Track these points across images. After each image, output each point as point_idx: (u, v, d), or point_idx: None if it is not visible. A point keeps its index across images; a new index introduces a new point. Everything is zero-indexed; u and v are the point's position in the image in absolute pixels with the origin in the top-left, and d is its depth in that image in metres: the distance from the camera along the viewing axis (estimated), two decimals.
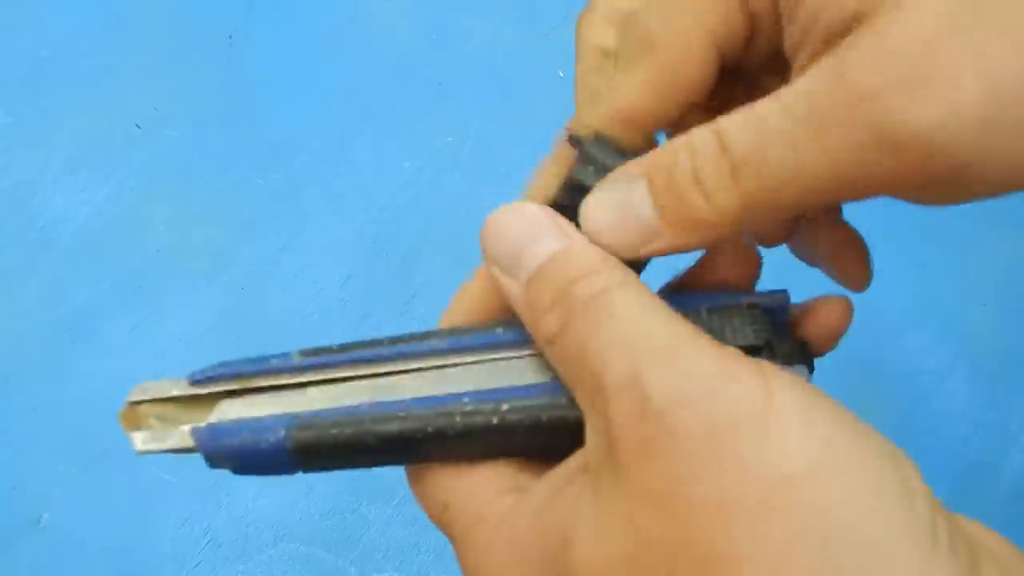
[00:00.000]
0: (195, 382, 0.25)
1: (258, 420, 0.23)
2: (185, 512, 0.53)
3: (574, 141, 0.25)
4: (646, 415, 0.19)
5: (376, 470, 0.51)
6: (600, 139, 0.25)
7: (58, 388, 0.56)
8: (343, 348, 0.24)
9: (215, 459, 0.24)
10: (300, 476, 0.56)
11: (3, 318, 0.58)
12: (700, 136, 0.22)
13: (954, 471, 0.55)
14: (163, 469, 0.54)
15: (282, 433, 0.23)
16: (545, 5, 0.70)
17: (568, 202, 0.24)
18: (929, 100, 0.19)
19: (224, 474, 0.56)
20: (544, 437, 0.23)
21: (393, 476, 0.54)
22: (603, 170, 0.24)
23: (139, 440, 0.25)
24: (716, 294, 0.26)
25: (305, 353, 0.24)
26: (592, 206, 0.24)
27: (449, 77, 0.67)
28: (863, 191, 0.21)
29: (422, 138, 0.65)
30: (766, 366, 0.21)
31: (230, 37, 0.70)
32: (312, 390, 0.24)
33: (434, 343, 0.24)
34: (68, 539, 0.52)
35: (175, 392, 0.25)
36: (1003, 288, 0.63)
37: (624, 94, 0.24)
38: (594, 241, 0.23)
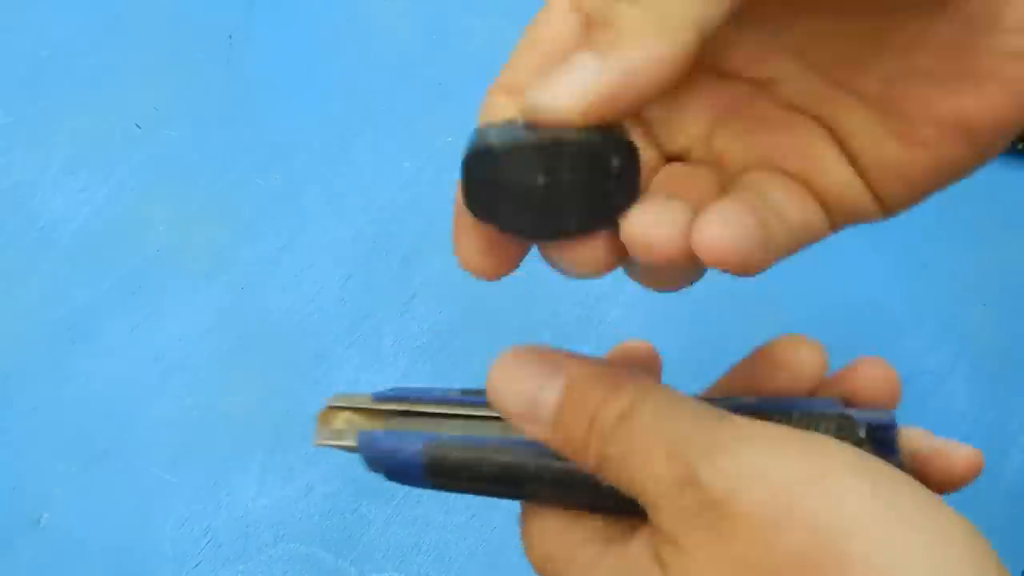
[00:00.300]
0: (376, 398, 0.29)
1: (405, 434, 0.27)
2: (185, 512, 0.53)
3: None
4: (704, 509, 0.20)
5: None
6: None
7: (58, 388, 0.56)
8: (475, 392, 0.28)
9: (370, 462, 0.28)
10: (300, 476, 0.56)
11: (3, 318, 0.58)
12: None
13: None
14: (163, 469, 0.54)
15: (419, 447, 0.26)
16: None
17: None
18: None
19: (224, 474, 0.56)
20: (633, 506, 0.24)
21: None
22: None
23: (321, 434, 0.30)
24: (818, 401, 0.27)
25: (465, 392, 0.28)
26: (531, 89, 0.21)
27: (449, 77, 0.67)
28: None
29: (422, 138, 0.65)
30: (814, 435, 0.21)
31: (230, 37, 0.70)
32: (459, 420, 0.28)
33: None
34: (68, 539, 0.52)
35: (362, 404, 0.30)
36: (1003, 288, 0.63)
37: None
38: (538, 116, 0.21)
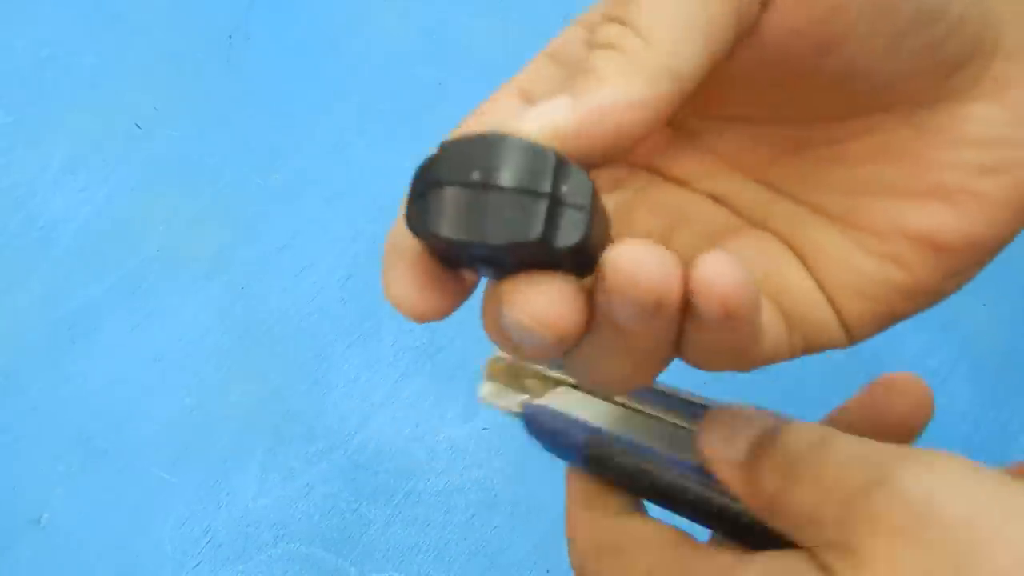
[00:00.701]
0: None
1: (573, 421, 0.27)
2: (185, 512, 0.53)
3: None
4: (906, 508, 0.20)
5: (376, 470, 0.51)
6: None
7: (58, 388, 0.56)
8: (669, 392, 0.28)
9: (532, 433, 0.28)
10: (300, 476, 0.56)
11: (3, 318, 0.58)
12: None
13: None
14: (163, 469, 0.54)
15: (584, 439, 0.26)
16: (545, 5, 0.70)
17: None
18: None
19: (224, 474, 0.56)
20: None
21: (393, 476, 0.54)
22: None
23: (486, 390, 0.29)
24: None
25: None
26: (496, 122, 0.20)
27: (449, 77, 0.67)
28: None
29: (422, 138, 0.65)
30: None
31: (230, 37, 0.70)
32: (628, 413, 0.28)
33: None
34: (68, 539, 0.52)
35: (530, 365, 0.29)
36: (1003, 288, 0.63)
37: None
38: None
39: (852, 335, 0.25)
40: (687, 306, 0.20)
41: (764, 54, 0.20)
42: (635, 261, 0.19)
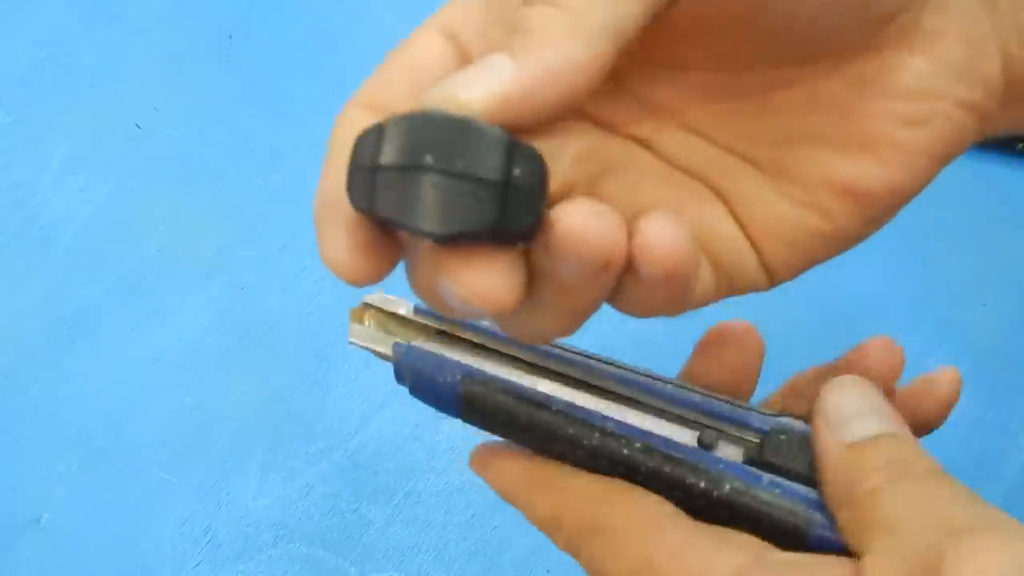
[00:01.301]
0: (418, 311, 0.27)
1: (446, 360, 0.26)
2: (185, 512, 0.53)
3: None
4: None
5: (376, 470, 0.51)
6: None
7: (58, 388, 0.56)
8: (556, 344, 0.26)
9: (401, 374, 0.26)
10: (300, 476, 0.56)
11: (3, 318, 0.58)
12: None
13: (954, 471, 0.55)
14: (163, 469, 0.54)
15: (458, 378, 0.25)
16: None
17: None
18: None
19: (224, 474, 0.56)
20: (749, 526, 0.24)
21: (393, 476, 0.54)
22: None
23: (354, 332, 0.28)
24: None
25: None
26: (436, 86, 0.20)
27: None
28: None
29: None
30: None
31: (230, 37, 0.70)
32: (500, 358, 0.26)
33: (649, 382, 0.26)
34: (68, 539, 0.52)
35: (400, 311, 0.28)
36: (1003, 288, 0.63)
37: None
38: (441, 94, 0.19)
39: (773, 279, 0.25)
40: (627, 263, 0.20)
41: (700, 4, 0.21)
42: (584, 224, 0.19)
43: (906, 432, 0.24)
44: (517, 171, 0.19)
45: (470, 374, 0.25)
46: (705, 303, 0.26)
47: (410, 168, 0.19)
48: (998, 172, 0.67)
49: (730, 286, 0.26)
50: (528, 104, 0.19)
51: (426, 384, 0.26)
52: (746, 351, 0.28)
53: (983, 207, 0.66)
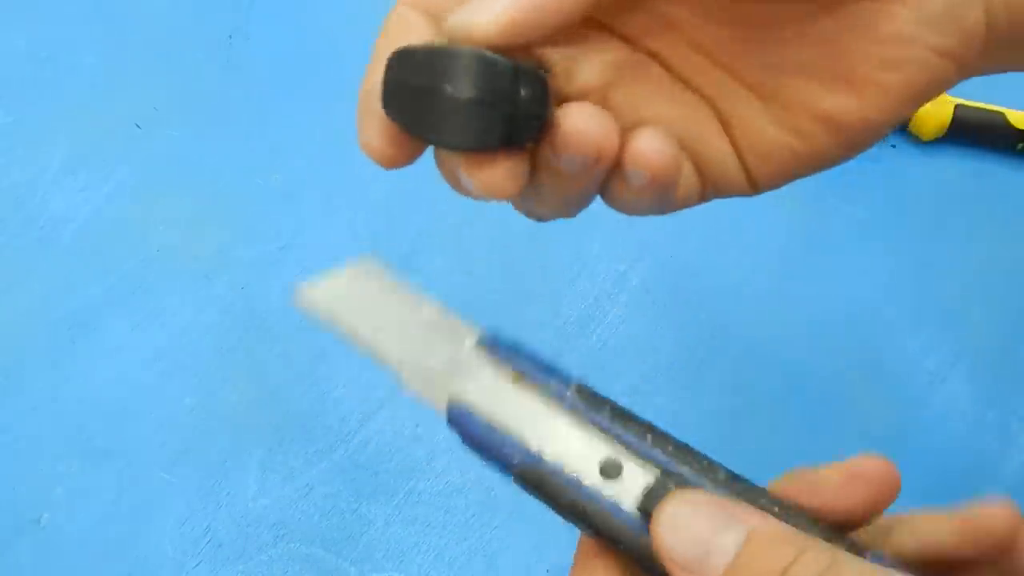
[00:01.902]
0: (481, 345, 0.26)
1: (505, 438, 0.25)
2: (185, 512, 0.53)
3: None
4: None
5: (376, 470, 0.51)
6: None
7: (58, 388, 0.56)
8: (614, 413, 0.25)
9: (457, 432, 0.26)
10: (300, 476, 0.56)
11: (3, 318, 0.58)
12: None
13: (954, 471, 0.55)
14: (163, 469, 0.54)
15: (515, 461, 0.24)
16: None
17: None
18: None
19: (224, 474, 0.56)
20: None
21: (393, 476, 0.54)
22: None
23: (410, 380, 0.27)
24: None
25: (582, 392, 0.25)
26: (454, 13, 0.23)
27: None
28: None
29: None
30: None
31: (230, 37, 0.70)
32: (568, 428, 0.25)
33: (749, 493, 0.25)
34: (68, 539, 0.52)
35: (462, 344, 0.26)
36: (1003, 288, 0.63)
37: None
38: (460, 34, 0.23)
39: (757, 188, 0.28)
40: (618, 165, 0.24)
41: None
42: (583, 124, 0.23)
43: (760, 520, 0.22)
44: (523, 93, 0.23)
45: (530, 462, 0.24)
46: (689, 205, 0.29)
47: (436, 93, 0.23)
48: (998, 172, 0.67)
49: (715, 191, 0.29)
50: (532, 23, 0.23)
51: (481, 454, 0.25)
52: (881, 493, 0.27)
53: (983, 207, 0.66)
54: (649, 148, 0.24)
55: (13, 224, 0.62)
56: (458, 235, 0.61)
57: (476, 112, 0.22)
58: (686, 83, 0.27)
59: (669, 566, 0.22)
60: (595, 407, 0.25)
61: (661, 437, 0.25)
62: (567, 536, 0.55)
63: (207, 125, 0.66)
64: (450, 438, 0.58)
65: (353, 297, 0.26)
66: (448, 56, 0.22)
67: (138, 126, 0.66)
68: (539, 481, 0.24)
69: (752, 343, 0.59)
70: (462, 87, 0.22)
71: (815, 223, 0.64)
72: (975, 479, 0.55)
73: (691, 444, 0.25)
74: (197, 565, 0.51)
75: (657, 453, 0.24)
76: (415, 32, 0.25)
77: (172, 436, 0.55)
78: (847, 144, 0.27)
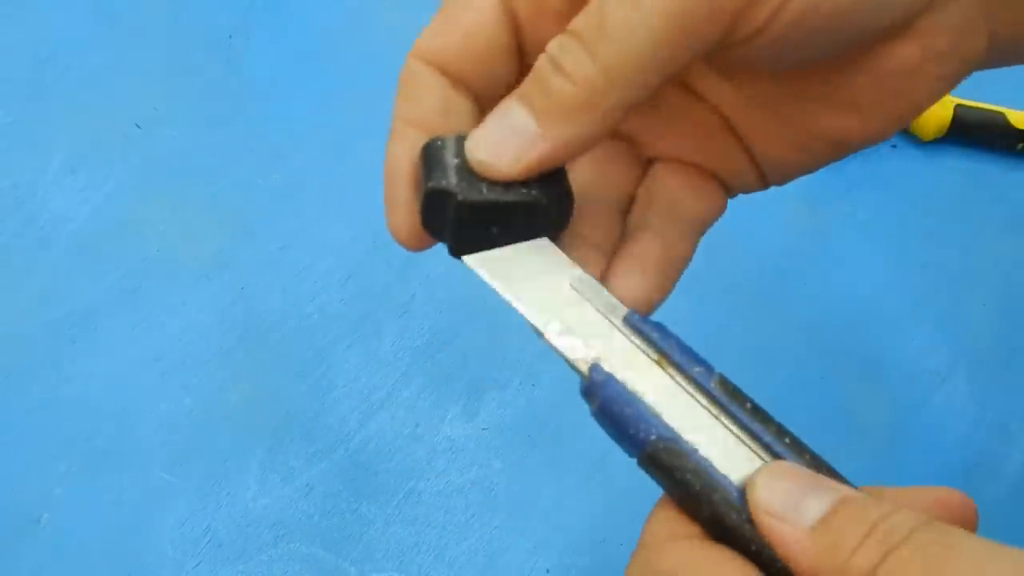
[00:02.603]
0: (628, 321, 0.27)
1: (644, 413, 0.25)
2: (185, 512, 0.53)
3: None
4: None
5: (376, 470, 0.51)
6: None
7: (58, 388, 0.56)
8: (754, 411, 0.25)
9: (590, 397, 0.26)
10: (300, 476, 0.56)
11: (3, 318, 0.58)
12: (554, 40, 0.24)
13: (954, 471, 0.55)
14: (163, 469, 0.54)
15: (652, 437, 0.25)
16: None
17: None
18: None
19: (224, 474, 0.56)
20: None
21: (393, 476, 0.54)
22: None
23: (556, 336, 0.26)
24: None
25: (724, 384, 0.26)
26: (473, 136, 0.25)
27: None
28: (701, 29, 0.23)
29: None
30: None
31: (230, 37, 0.70)
32: (706, 416, 0.25)
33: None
34: (68, 539, 0.52)
35: (613, 319, 0.27)
36: (1003, 288, 0.63)
37: (421, 35, 0.28)
38: (482, 170, 0.25)
39: (768, 185, 0.31)
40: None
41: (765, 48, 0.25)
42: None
43: (855, 492, 0.23)
44: (553, 211, 0.26)
45: (663, 439, 0.25)
46: (714, 218, 0.31)
47: (464, 223, 0.26)
48: (998, 172, 0.67)
49: (734, 192, 0.31)
50: (548, 165, 0.25)
51: (615, 424, 0.25)
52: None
53: (983, 207, 0.66)
54: (630, 288, 0.28)
55: (13, 224, 0.62)
56: None
57: (488, 224, 0.26)
58: (707, 104, 0.29)
59: (760, 517, 0.23)
60: (736, 401, 0.25)
61: (798, 444, 0.25)
62: (567, 536, 0.55)
63: (207, 125, 0.66)
64: (451, 438, 0.58)
65: (511, 259, 0.27)
66: (468, 174, 0.25)
67: (138, 126, 0.66)
68: (671, 460, 0.24)
69: (752, 343, 0.59)
70: (481, 224, 0.26)
71: (815, 223, 0.64)
72: (975, 479, 0.55)
73: (829, 462, 0.25)
74: (197, 565, 0.51)
75: (794, 458, 0.24)
76: (428, 99, 0.27)
77: (172, 436, 0.55)
78: (845, 154, 0.29)
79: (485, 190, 0.25)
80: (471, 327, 0.58)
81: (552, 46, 0.24)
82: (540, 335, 0.26)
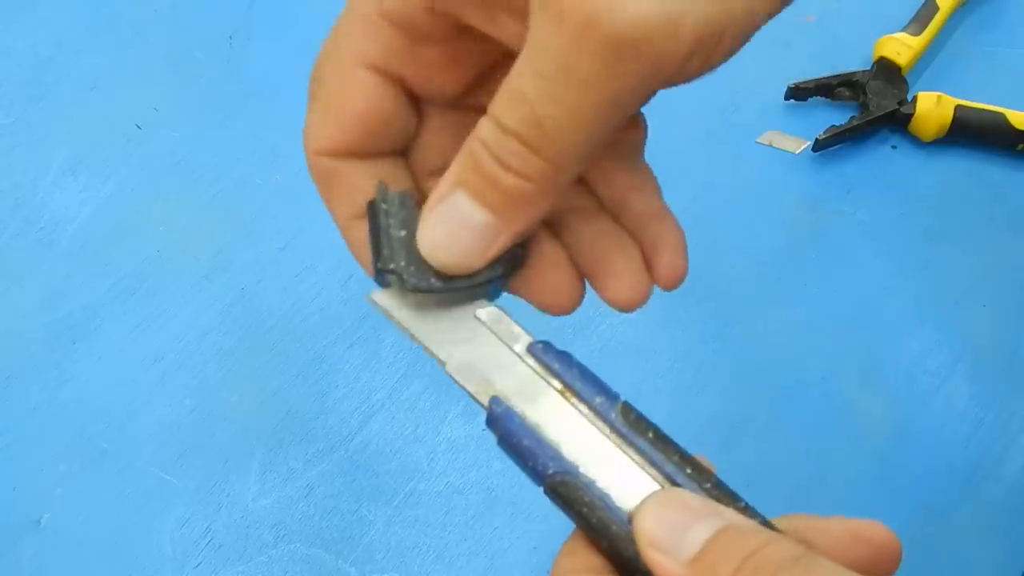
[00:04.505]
0: (532, 351, 0.26)
1: (541, 444, 0.25)
2: (185, 512, 0.53)
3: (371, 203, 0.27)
4: None
5: (376, 471, 0.51)
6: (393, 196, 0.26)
7: (58, 388, 0.56)
8: (656, 438, 0.25)
9: (492, 427, 0.26)
10: (300, 476, 0.56)
11: (3, 318, 0.58)
12: (484, 128, 0.23)
13: (954, 471, 0.55)
14: (163, 469, 0.54)
15: (549, 472, 0.25)
16: None
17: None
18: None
19: (224, 474, 0.56)
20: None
21: (393, 477, 0.54)
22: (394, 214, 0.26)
23: (460, 373, 0.26)
24: None
25: (626, 414, 0.25)
26: (426, 236, 0.25)
27: None
28: (631, 98, 0.22)
29: None
30: None
31: (230, 37, 0.70)
32: (607, 447, 0.25)
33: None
34: (68, 539, 0.52)
35: (516, 346, 0.27)
36: (1003, 288, 0.63)
37: (311, 130, 0.27)
38: (447, 270, 0.25)
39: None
40: None
41: None
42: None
43: (738, 518, 0.23)
44: (504, 271, 0.26)
45: (558, 473, 0.25)
46: None
47: (402, 282, 0.26)
48: (998, 172, 0.67)
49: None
50: (510, 247, 0.25)
51: (515, 456, 0.26)
52: (880, 560, 0.26)
53: (983, 207, 0.66)
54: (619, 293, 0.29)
55: (13, 224, 0.62)
56: None
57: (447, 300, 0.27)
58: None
59: (644, 549, 0.23)
60: (638, 431, 0.25)
61: (701, 471, 0.25)
62: (567, 537, 0.55)
63: (207, 125, 0.66)
64: (450, 439, 0.58)
65: (411, 296, 0.27)
66: (425, 292, 0.26)
67: (138, 126, 0.66)
68: (568, 494, 0.24)
69: (752, 344, 0.59)
70: (431, 300, 0.27)
71: (816, 224, 0.64)
72: (975, 479, 0.55)
73: (725, 481, 0.25)
74: (197, 566, 0.51)
75: (694, 486, 0.24)
76: (358, 190, 0.27)
77: (172, 436, 0.55)
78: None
79: (433, 279, 0.25)
80: None
81: (488, 138, 0.23)
82: (443, 368, 0.26)
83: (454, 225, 0.24)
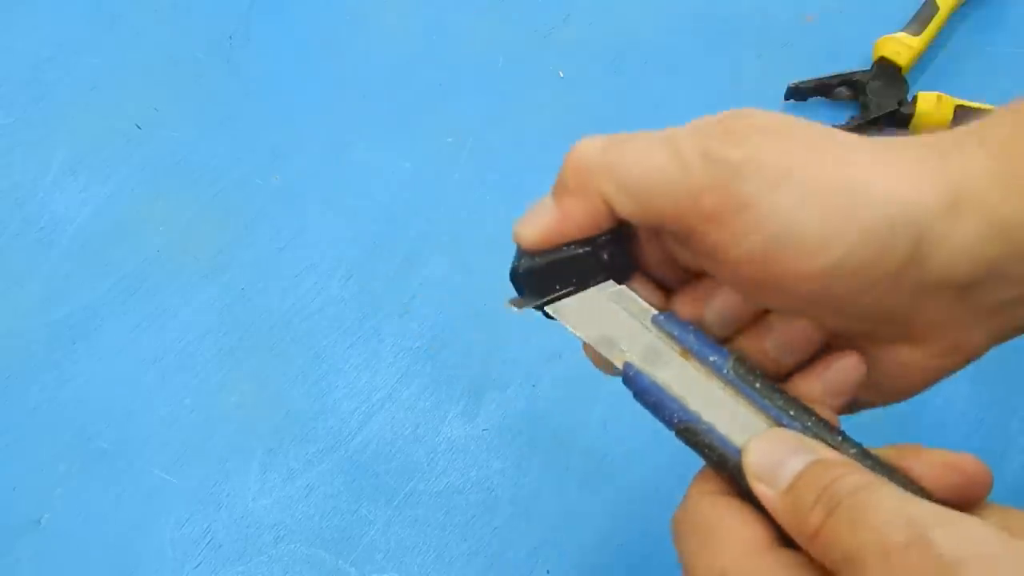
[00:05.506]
0: (655, 321, 0.31)
1: (665, 406, 0.30)
2: (185, 512, 0.53)
3: None
4: (940, 570, 0.22)
5: (376, 471, 0.51)
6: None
7: (58, 388, 0.56)
8: (763, 386, 0.30)
9: (628, 386, 0.31)
10: (300, 476, 0.56)
11: (3, 318, 0.58)
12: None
13: None
14: (163, 469, 0.54)
15: (675, 420, 0.30)
16: (545, 5, 0.70)
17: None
18: None
19: (224, 474, 0.56)
20: None
21: (393, 477, 0.54)
22: None
23: (597, 345, 0.32)
24: None
25: (736, 367, 0.30)
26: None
27: (449, 77, 0.67)
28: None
29: (422, 138, 0.65)
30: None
31: (230, 37, 0.70)
32: (722, 396, 0.30)
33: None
34: (68, 539, 0.52)
35: (640, 320, 0.32)
36: None
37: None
38: (518, 241, 0.31)
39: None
40: None
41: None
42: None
43: (826, 452, 0.27)
44: (604, 255, 0.32)
45: (687, 421, 0.30)
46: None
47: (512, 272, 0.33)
48: None
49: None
50: (559, 238, 0.31)
51: (648, 409, 0.31)
52: (971, 488, 0.31)
53: None
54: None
55: (13, 224, 0.62)
56: (458, 236, 0.61)
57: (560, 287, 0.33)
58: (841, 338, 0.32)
59: (750, 480, 0.27)
60: (747, 381, 0.30)
61: (802, 411, 0.29)
62: (567, 536, 0.55)
63: (207, 125, 0.66)
64: (450, 439, 0.58)
65: (577, 300, 0.33)
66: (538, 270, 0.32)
67: (138, 126, 0.66)
68: (693, 438, 0.30)
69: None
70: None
71: None
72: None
73: (831, 423, 0.29)
74: (197, 566, 0.51)
75: (796, 425, 0.29)
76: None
77: (172, 436, 0.55)
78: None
79: (537, 259, 0.31)
80: (471, 327, 0.58)
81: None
82: (583, 343, 0.32)
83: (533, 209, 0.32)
